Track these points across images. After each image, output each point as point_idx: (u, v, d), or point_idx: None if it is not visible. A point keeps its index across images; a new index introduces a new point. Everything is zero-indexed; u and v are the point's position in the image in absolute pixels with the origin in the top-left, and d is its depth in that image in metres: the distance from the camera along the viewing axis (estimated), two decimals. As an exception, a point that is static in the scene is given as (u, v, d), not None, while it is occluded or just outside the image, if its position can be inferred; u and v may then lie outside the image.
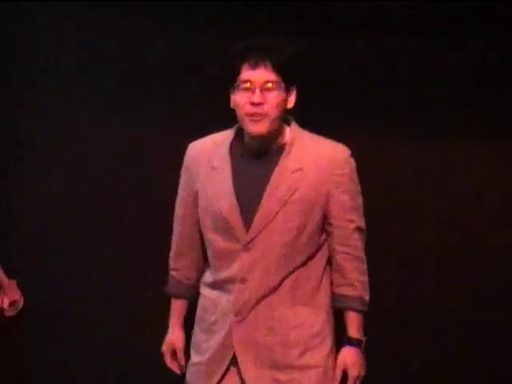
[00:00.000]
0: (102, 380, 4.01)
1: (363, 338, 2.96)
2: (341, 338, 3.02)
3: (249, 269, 2.87)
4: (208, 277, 3.05)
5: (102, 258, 3.95)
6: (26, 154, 4.01)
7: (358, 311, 2.95)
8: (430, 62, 3.51)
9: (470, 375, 3.58)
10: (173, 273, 3.20)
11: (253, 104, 2.81)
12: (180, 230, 3.12)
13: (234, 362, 2.93)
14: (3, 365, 4.06)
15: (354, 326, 2.94)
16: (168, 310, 3.86)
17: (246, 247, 2.87)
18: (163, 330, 3.88)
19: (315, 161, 2.86)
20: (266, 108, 2.81)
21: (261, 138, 2.86)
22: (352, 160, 2.93)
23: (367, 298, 2.97)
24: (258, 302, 2.88)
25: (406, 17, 3.46)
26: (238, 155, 2.92)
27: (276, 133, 2.87)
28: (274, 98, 2.80)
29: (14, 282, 3.47)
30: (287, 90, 2.82)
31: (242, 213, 2.87)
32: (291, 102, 2.86)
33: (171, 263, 3.20)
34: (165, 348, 3.21)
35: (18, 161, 4.03)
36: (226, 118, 3.70)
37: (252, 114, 2.82)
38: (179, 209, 3.11)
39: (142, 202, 3.89)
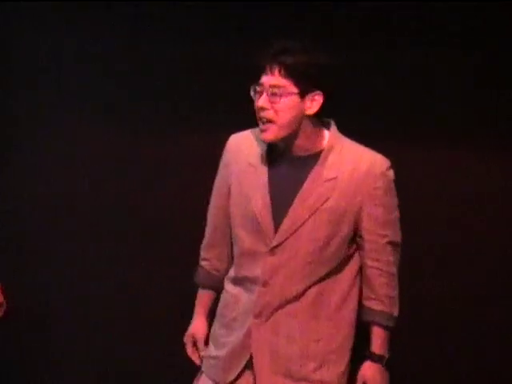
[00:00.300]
0: (102, 380, 4.01)
1: (386, 354, 2.90)
2: (363, 352, 2.96)
3: (272, 273, 2.82)
4: (232, 272, 3.00)
5: (102, 258, 3.96)
6: (26, 154, 4.02)
7: (384, 327, 2.88)
8: (429, 62, 3.51)
9: (470, 375, 3.57)
10: (202, 263, 3.13)
11: (257, 108, 2.78)
12: (212, 221, 3.06)
13: (250, 363, 2.89)
14: (3, 365, 4.06)
15: (378, 341, 2.88)
16: (168, 309, 3.87)
17: (272, 251, 2.82)
18: (163, 329, 3.89)
19: (351, 172, 2.79)
20: (271, 113, 2.73)
21: (281, 143, 2.80)
22: (390, 173, 2.86)
23: (396, 313, 2.91)
24: (279, 308, 2.84)
25: (407, 17, 3.46)
26: (276, 156, 2.85)
27: (306, 137, 2.78)
28: (279, 104, 2.71)
29: None
30: (302, 96, 2.73)
31: (273, 215, 2.82)
32: (311, 108, 2.74)
33: (202, 253, 3.13)
34: (186, 338, 3.13)
35: (17, 161, 4.03)
36: (226, 118, 3.72)
37: (260, 119, 2.78)
38: (213, 199, 3.04)
39: (142, 201, 3.89)
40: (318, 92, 2.74)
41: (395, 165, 3.22)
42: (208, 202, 3.76)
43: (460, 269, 3.57)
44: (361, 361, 2.95)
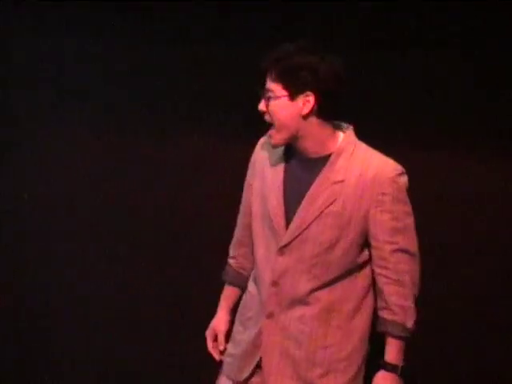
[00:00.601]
0: (102, 380, 4.02)
1: (400, 364, 2.87)
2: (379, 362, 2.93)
3: (281, 274, 2.83)
4: (253, 271, 3.03)
5: (102, 258, 3.96)
6: (26, 154, 4.02)
7: (398, 337, 2.85)
8: (429, 62, 3.51)
9: (470, 375, 3.57)
10: (230, 260, 3.14)
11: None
12: (241, 220, 3.08)
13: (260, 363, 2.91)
14: (3, 365, 4.07)
15: (391, 350, 2.85)
16: (168, 309, 3.87)
17: (281, 251, 2.83)
18: (163, 329, 3.90)
19: (358, 176, 2.78)
20: (268, 116, 2.79)
21: (294, 144, 2.83)
22: (400, 179, 2.81)
23: (410, 324, 2.85)
24: (289, 309, 2.84)
25: (407, 17, 3.47)
26: (292, 157, 2.88)
27: (315, 139, 2.79)
28: (271, 107, 2.77)
29: None
30: (293, 98, 2.75)
31: (285, 216, 2.83)
32: (303, 109, 2.76)
33: (230, 251, 3.15)
34: (207, 332, 3.14)
35: (17, 161, 4.03)
36: (226, 118, 3.72)
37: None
38: (243, 198, 3.07)
39: (142, 202, 3.89)
40: (309, 93, 2.76)
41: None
42: (207, 202, 3.78)
43: (460, 269, 3.57)
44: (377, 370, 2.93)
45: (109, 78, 3.90)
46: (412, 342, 3.50)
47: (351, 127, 2.87)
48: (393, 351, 2.86)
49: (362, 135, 2.91)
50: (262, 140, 3.00)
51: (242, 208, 3.07)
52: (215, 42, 3.69)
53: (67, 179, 3.97)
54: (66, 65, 3.95)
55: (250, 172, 3.02)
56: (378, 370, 2.92)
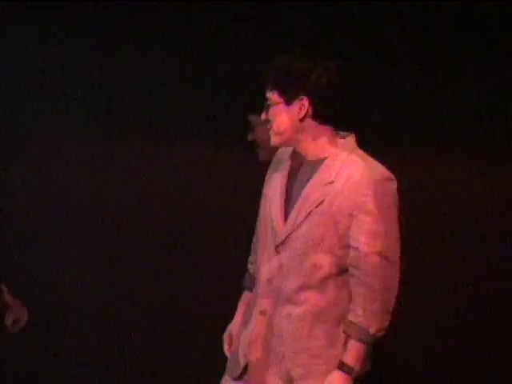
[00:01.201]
0: (103, 379, 4.03)
1: (357, 367, 2.78)
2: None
3: (276, 272, 2.88)
4: None
5: (102, 258, 3.97)
6: (27, 155, 4.03)
7: (358, 339, 2.77)
8: (429, 64, 3.52)
9: (470, 375, 3.59)
10: (248, 266, 3.17)
11: None
12: (257, 226, 3.09)
13: None
14: (3, 365, 4.08)
15: (350, 352, 2.78)
16: (168, 309, 3.88)
17: (277, 249, 2.88)
18: (163, 329, 3.91)
19: (347, 178, 2.80)
20: (270, 124, 2.87)
21: (296, 148, 2.89)
22: (386, 184, 2.80)
23: (372, 330, 2.76)
24: (279, 307, 2.87)
25: (405, 24, 3.48)
26: (295, 161, 2.94)
27: (312, 143, 2.86)
28: (270, 114, 2.86)
29: (18, 301, 3.43)
30: (288, 104, 2.83)
31: (285, 217, 2.87)
32: (300, 113, 2.82)
33: (249, 257, 3.17)
34: (224, 335, 3.14)
35: (18, 161, 4.04)
36: (225, 124, 3.73)
37: None
38: (260, 205, 3.08)
39: (142, 203, 3.91)
40: (302, 97, 2.82)
41: (395, 167, 3.21)
42: (206, 204, 3.79)
43: (460, 268, 3.59)
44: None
45: (109, 81, 3.92)
46: (412, 342, 3.51)
47: (353, 135, 2.90)
48: (352, 353, 2.80)
49: (362, 142, 2.92)
50: (277, 153, 3.05)
51: (259, 217, 3.10)
52: (214, 50, 3.71)
53: (67, 181, 3.98)
54: (67, 68, 3.96)
55: (266, 178, 3.06)
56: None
